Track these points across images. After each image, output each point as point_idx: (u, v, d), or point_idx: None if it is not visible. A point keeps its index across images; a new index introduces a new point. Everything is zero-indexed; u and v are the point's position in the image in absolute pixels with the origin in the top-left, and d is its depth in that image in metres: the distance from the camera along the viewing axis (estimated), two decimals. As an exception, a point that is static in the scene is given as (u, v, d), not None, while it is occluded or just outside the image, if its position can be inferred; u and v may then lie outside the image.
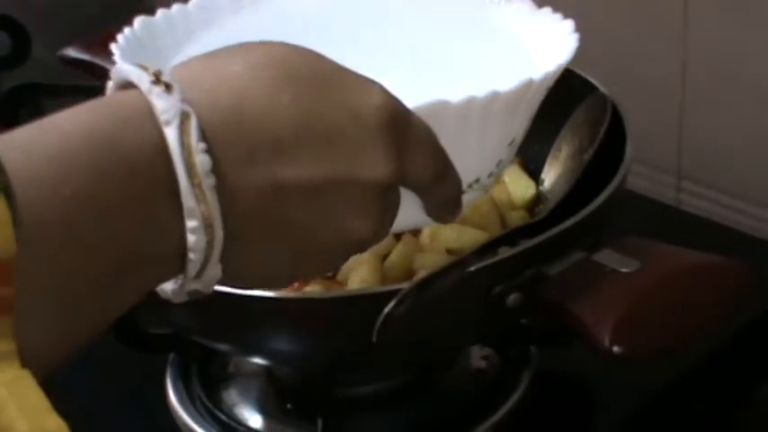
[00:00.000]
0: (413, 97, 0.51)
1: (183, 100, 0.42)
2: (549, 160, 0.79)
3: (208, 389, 0.78)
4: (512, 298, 0.60)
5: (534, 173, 0.80)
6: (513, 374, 0.76)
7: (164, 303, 0.67)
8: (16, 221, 0.37)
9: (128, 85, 0.44)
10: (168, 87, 0.43)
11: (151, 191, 0.42)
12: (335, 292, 0.68)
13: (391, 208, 0.50)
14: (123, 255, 0.42)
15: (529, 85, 0.58)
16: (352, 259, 0.70)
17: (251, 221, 0.44)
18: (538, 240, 0.61)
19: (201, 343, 0.73)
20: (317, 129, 0.45)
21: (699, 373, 0.80)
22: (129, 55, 0.61)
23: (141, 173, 0.42)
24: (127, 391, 0.83)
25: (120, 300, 0.44)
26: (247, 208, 0.44)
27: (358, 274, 0.69)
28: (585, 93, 0.76)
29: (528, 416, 0.75)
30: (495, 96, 0.56)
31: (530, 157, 0.68)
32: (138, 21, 0.65)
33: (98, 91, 0.46)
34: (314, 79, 0.46)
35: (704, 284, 0.59)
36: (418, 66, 0.68)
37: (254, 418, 0.76)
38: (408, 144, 0.48)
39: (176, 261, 0.44)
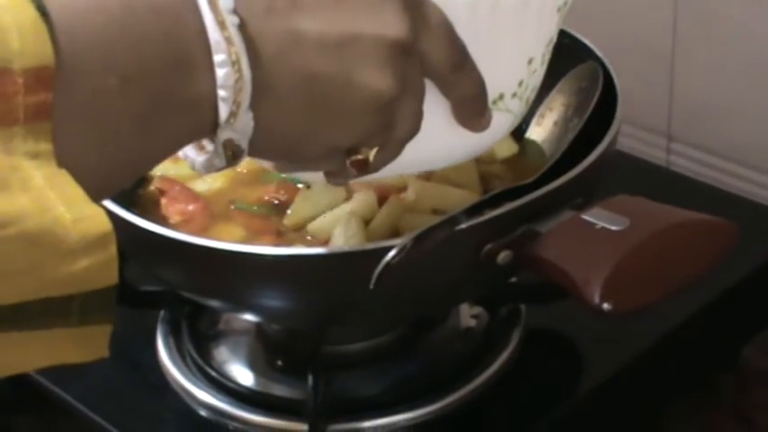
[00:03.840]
0: None
1: None
2: (535, 119, 0.79)
3: (198, 345, 0.78)
4: (502, 255, 0.61)
5: (521, 130, 0.80)
6: (503, 333, 0.77)
7: (154, 258, 0.67)
8: (53, 39, 0.41)
9: None
10: None
11: (179, 31, 0.45)
12: (330, 247, 0.68)
13: (412, 75, 0.52)
14: (156, 92, 0.45)
15: None
16: (334, 218, 0.70)
17: (275, 71, 0.48)
18: (528, 198, 0.61)
19: (192, 299, 0.73)
20: None
21: (685, 332, 0.80)
22: None
23: (167, 15, 0.45)
24: (117, 348, 0.82)
25: (154, 143, 0.46)
26: (270, 56, 0.47)
27: (343, 231, 0.69)
28: (577, 54, 0.76)
29: (517, 373, 0.75)
30: None
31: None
32: None
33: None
34: None
35: (692, 242, 0.59)
36: None
37: (243, 375, 0.76)
38: (422, 21, 0.52)
39: (208, 109, 0.47)
